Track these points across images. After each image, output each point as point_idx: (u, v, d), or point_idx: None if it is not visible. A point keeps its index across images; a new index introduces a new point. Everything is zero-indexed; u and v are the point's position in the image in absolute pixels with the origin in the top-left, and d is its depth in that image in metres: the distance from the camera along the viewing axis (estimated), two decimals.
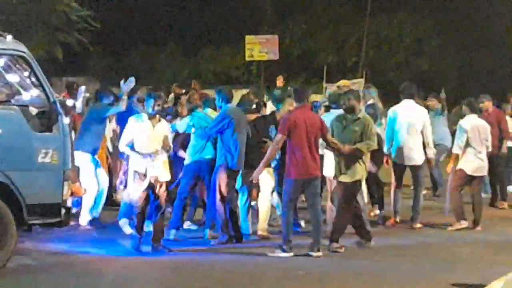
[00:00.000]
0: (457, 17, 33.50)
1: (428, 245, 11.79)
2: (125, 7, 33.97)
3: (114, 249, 11.12)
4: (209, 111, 12.35)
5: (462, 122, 13.08)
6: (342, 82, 15.15)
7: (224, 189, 11.60)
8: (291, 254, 10.77)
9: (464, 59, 33.70)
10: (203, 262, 10.58)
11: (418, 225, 13.01)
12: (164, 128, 10.99)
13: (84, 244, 11.48)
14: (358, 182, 11.19)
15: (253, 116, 12.51)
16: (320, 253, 10.81)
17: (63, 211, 10.05)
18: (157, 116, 10.82)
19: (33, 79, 10.32)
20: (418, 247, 11.61)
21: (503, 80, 31.74)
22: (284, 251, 10.76)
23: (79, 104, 10.77)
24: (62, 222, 10.07)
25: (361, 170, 11.14)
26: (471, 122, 13.02)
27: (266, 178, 12.20)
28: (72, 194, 10.33)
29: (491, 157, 14.20)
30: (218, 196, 11.62)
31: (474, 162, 12.98)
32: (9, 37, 10.18)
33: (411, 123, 13.02)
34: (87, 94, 14.22)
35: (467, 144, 12.90)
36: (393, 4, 33.09)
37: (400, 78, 31.12)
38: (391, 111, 13.25)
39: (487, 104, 15.45)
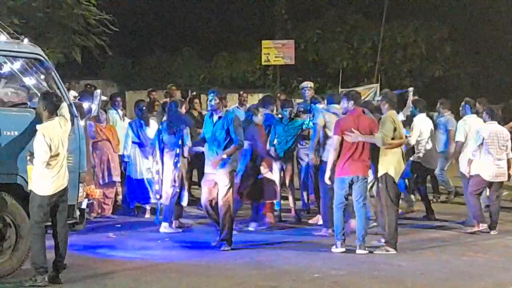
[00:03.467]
0: (471, 24, 33.43)
1: (444, 249, 11.81)
2: (143, 12, 34.09)
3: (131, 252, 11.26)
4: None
5: (479, 128, 13.11)
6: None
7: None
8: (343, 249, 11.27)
9: (478, 66, 33.64)
10: (216, 264, 10.64)
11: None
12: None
13: (100, 246, 11.60)
14: None
15: None
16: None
17: (78, 212, 10.18)
18: None
19: (49, 82, 10.43)
20: (434, 251, 11.59)
21: None
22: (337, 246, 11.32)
23: (94, 107, 10.85)
24: (77, 224, 10.18)
25: None
26: (490, 128, 13.04)
27: None
28: (86, 196, 10.45)
29: None
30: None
31: (493, 168, 13.01)
32: (26, 40, 10.29)
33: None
34: (104, 98, 14.36)
35: (485, 150, 12.94)
36: (407, 11, 33.08)
37: (414, 84, 31.20)
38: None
39: None
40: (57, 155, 9.17)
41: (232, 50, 34.32)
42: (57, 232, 9.35)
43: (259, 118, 13.12)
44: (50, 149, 9.07)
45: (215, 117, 11.57)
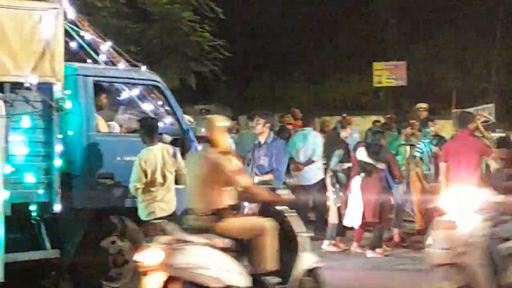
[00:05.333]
0: None
1: None
2: (253, 37, 34.40)
3: None
4: None
5: None
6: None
7: None
8: None
9: None
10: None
11: None
12: None
13: None
14: None
15: None
16: None
17: None
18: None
19: (167, 108, 10.66)
20: None
21: None
22: None
23: None
24: None
25: None
26: None
27: None
28: None
29: None
30: None
31: None
32: (143, 68, 10.55)
33: None
34: None
35: None
36: None
37: None
38: None
39: None
40: (155, 181, 9.26)
41: (342, 72, 34.31)
42: None
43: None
44: (146, 175, 9.21)
45: (262, 141, 10.49)
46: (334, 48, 35.29)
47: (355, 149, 13.27)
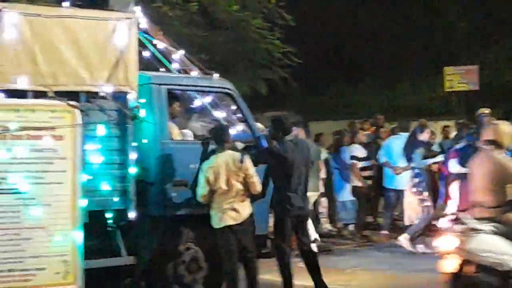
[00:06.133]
0: None
1: None
2: (322, 42, 34.31)
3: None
4: None
5: None
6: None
7: None
8: None
9: None
10: None
11: None
12: None
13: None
14: None
15: None
16: None
17: (268, 242, 10.33)
18: None
19: (239, 115, 10.70)
20: None
21: None
22: None
23: None
24: (269, 253, 10.32)
25: None
26: None
27: None
28: None
29: None
30: None
31: None
32: (215, 75, 10.62)
33: None
34: None
35: None
36: None
37: None
38: None
39: None
40: (220, 188, 9.26)
41: (413, 77, 34.01)
42: (244, 263, 9.53)
43: None
44: (209, 183, 9.23)
45: None
46: (406, 53, 34.98)
47: (446, 159, 13.26)
